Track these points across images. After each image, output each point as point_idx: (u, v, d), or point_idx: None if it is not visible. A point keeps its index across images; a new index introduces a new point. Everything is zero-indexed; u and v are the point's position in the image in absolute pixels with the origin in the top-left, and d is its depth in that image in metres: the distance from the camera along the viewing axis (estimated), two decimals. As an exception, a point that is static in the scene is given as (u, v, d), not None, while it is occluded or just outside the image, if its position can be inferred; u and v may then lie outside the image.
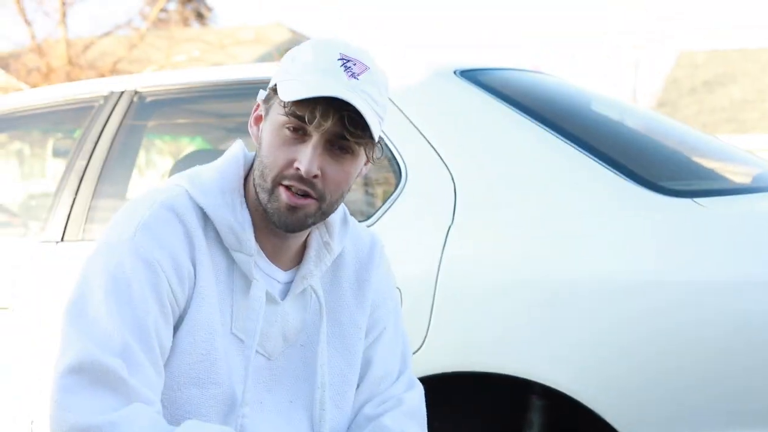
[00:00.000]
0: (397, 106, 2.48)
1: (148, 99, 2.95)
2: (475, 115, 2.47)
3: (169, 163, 4.31)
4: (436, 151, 2.39)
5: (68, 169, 2.90)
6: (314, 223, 1.55)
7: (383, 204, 2.42)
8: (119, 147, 2.89)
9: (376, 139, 1.51)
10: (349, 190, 1.56)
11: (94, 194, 2.80)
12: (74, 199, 2.81)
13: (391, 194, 2.42)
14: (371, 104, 1.48)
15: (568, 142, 2.34)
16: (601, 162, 2.28)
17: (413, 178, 2.40)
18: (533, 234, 2.24)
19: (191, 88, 2.91)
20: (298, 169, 1.49)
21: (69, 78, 16.56)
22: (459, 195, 2.32)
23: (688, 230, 2.14)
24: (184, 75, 3.00)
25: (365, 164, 1.58)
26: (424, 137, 2.42)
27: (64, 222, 2.79)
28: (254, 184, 1.55)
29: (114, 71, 17.47)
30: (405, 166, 2.41)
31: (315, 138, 1.48)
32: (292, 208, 1.50)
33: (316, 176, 1.49)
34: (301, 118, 1.47)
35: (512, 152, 2.38)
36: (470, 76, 2.57)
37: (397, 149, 2.44)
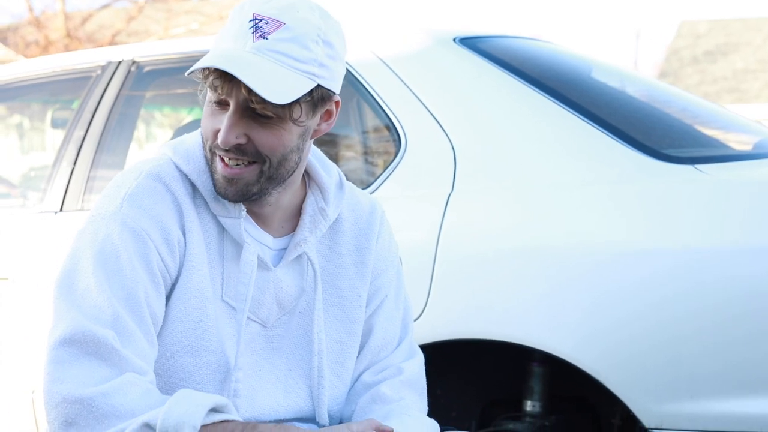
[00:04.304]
0: (396, 75, 2.46)
1: (146, 69, 2.93)
2: (475, 82, 2.46)
3: (167, 133, 4.29)
4: (436, 119, 2.38)
5: (66, 139, 2.89)
6: (263, 191, 1.51)
7: (383, 172, 2.41)
8: (117, 117, 2.87)
9: (287, 101, 1.43)
10: (297, 152, 1.51)
11: (93, 164, 2.80)
12: (72, 170, 2.80)
13: (391, 162, 2.41)
14: (285, 62, 1.43)
15: (569, 109, 2.32)
16: (601, 129, 2.27)
17: (413, 146, 2.39)
18: (534, 201, 2.23)
19: (189, 58, 2.89)
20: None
21: (67, 51, 16.49)
22: (459, 163, 2.31)
23: (689, 196, 2.13)
24: (181, 44, 2.98)
25: (325, 121, 1.54)
26: (424, 105, 2.41)
27: (63, 192, 2.79)
28: None
29: (112, 44, 17.38)
30: (405, 134, 2.40)
31: (231, 106, 1.46)
32: (229, 180, 1.49)
33: (240, 144, 1.47)
34: (215, 89, 1.46)
35: (512, 120, 2.37)
36: (470, 43, 2.55)
37: (396, 117, 2.42)
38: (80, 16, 18.50)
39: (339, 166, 1.69)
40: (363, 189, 2.39)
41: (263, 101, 1.43)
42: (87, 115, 2.88)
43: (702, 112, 2.91)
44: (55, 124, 3.51)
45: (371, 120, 2.71)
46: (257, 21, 1.45)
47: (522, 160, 2.30)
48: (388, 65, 2.48)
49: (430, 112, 2.39)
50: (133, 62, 2.92)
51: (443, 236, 2.25)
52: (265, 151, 1.48)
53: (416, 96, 2.42)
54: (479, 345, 2.27)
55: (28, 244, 2.77)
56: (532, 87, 2.38)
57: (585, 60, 2.94)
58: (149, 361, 1.46)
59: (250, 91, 1.42)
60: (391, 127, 2.45)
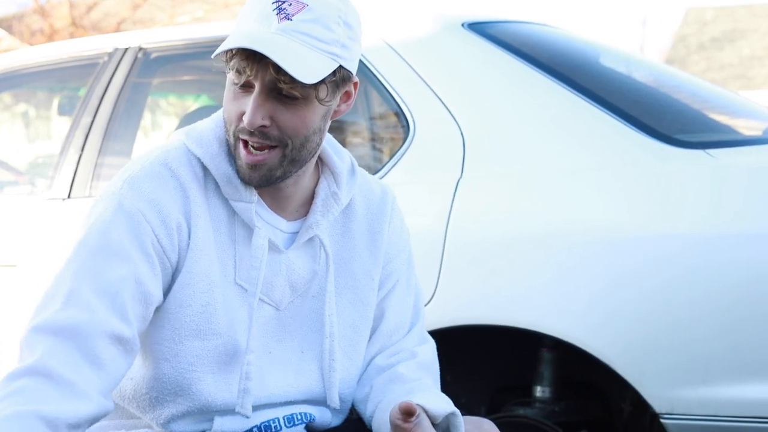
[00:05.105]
0: (405, 60, 2.45)
1: (153, 55, 2.93)
2: (483, 68, 2.45)
3: (174, 120, 4.28)
4: (445, 105, 2.37)
5: (74, 126, 2.89)
6: (286, 174, 1.52)
7: (392, 158, 2.41)
8: (124, 104, 2.87)
9: (315, 80, 1.44)
10: (319, 133, 1.52)
11: (100, 151, 2.79)
12: (80, 157, 2.80)
13: (400, 148, 2.40)
14: (310, 43, 1.44)
15: (579, 94, 2.31)
16: (612, 114, 2.26)
17: (421, 131, 2.38)
18: (544, 187, 2.23)
19: (196, 44, 2.88)
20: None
21: (72, 39, 16.46)
22: (468, 148, 2.31)
23: (700, 181, 2.12)
24: (189, 31, 2.97)
25: (344, 102, 1.55)
26: (433, 91, 2.40)
27: (71, 179, 2.78)
28: None
29: (117, 32, 17.35)
30: (413, 120, 2.39)
31: (257, 88, 1.46)
32: (253, 166, 1.50)
33: (265, 126, 1.47)
34: (241, 71, 1.46)
35: (521, 105, 2.36)
36: (478, 28, 2.54)
37: (405, 103, 2.42)
38: (85, 5, 18.47)
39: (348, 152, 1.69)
40: (372, 175, 2.39)
41: (292, 81, 1.43)
42: (94, 102, 2.87)
43: (711, 97, 2.90)
44: (62, 111, 3.51)
45: (380, 106, 2.70)
46: (281, 3, 1.46)
47: (532, 146, 2.29)
48: (396, 51, 2.47)
49: (439, 98, 2.39)
50: (140, 49, 2.91)
51: (452, 222, 2.25)
52: (288, 133, 1.48)
53: (425, 82, 2.41)
54: (488, 331, 2.26)
55: (36, 231, 2.77)
56: (542, 72, 2.37)
57: (594, 45, 2.93)
58: (103, 328, 1.42)
59: (278, 71, 1.43)
60: (399, 113, 2.44)
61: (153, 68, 3.00)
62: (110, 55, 2.94)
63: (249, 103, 1.46)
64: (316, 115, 1.49)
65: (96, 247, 1.46)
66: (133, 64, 2.89)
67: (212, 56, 1.48)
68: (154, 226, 1.49)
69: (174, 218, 1.50)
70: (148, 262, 1.48)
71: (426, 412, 1.51)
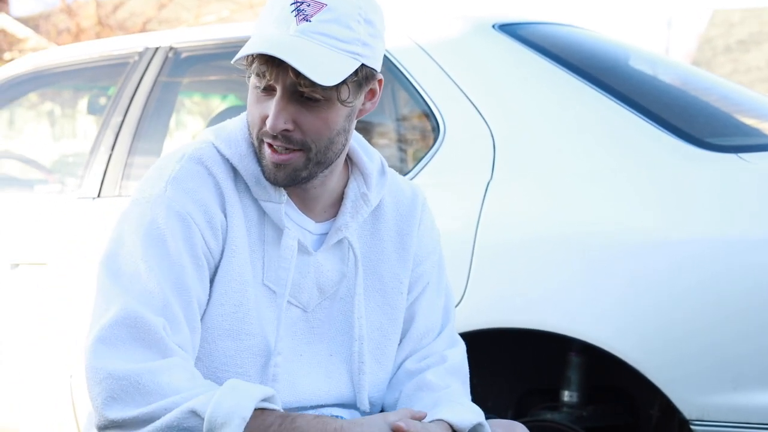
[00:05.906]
0: (435, 61, 2.45)
1: (183, 55, 2.94)
2: (514, 69, 2.44)
3: (204, 120, 4.30)
4: (475, 106, 2.37)
5: (104, 125, 2.90)
6: (312, 175, 1.52)
7: (421, 159, 2.40)
8: (155, 103, 2.88)
9: (335, 82, 1.43)
10: (344, 134, 1.51)
11: (130, 151, 2.80)
12: (110, 156, 2.81)
13: (430, 149, 2.39)
14: (330, 43, 1.44)
15: (610, 97, 2.30)
16: (643, 117, 2.24)
17: (452, 133, 2.37)
18: (574, 189, 2.22)
19: (227, 44, 2.89)
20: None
21: (98, 38, 16.55)
22: (498, 150, 2.30)
23: (732, 185, 2.11)
24: (219, 31, 2.98)
25: (369, 100, 1.54)
26: (463, 92, 2.39)
27: (101, 178, 2.80)
28: None
29: (143, 32, 17.43)
30: (443, 121, 2.39)
31: (279, 91, 1.46)
32: (278, 165, 1.49)
33: (288, 130, 1.47)
34: (261, 75, 1.46)
35: (552, 107, 2.35)
36: (509, 30, 2.53)
37: (435, 104, 2.41)
38: (111, 4, 18.58)
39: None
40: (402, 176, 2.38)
41: (312, 84, 1.43)
42: (125, 102, 2.88)
43: (742, 100, 2.88)
44: (92, 110, 3.53)
45: (410, 107, 2.70)
46: (299, 4, 1.45)
47: (563, 148, 2.28)
48: (427, 52, 2.47)
49: (470, 99, 2.38)
50: (171, 48, 2.92)
51: (482, 225, 2.24)
52: (311, 137, 1.48)
53: (455, 83, 2.41)
54: (516, 334, 2.25)
55: (66, 229, 2.79)
56: (574, 74, 2.36)
57: (624, 47, 2.92)
58: (191, 350, 1.47)
59: (298, 74, 1.43)
60: (430, 114, 2.44)
61: (183, 68, 3.01)
62: (141, 54, 2.95)
63: (271, 106, 1.46)
64: (339, 116, 1.49)
65: (158, 256, 1.46)
66: (163, 64, 2.90)
67: (232, 61, 1.48)
68: (202, 229, 1.49)
69: (218, 218, 1.51)
70: (198, 266, 1.49)
71: (451, 426, 1.50)
